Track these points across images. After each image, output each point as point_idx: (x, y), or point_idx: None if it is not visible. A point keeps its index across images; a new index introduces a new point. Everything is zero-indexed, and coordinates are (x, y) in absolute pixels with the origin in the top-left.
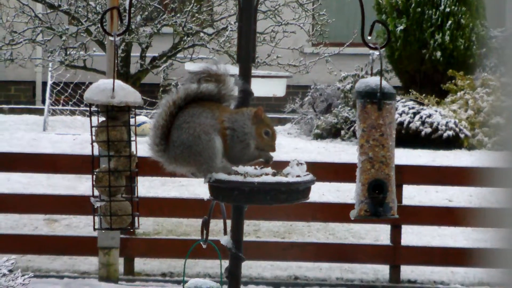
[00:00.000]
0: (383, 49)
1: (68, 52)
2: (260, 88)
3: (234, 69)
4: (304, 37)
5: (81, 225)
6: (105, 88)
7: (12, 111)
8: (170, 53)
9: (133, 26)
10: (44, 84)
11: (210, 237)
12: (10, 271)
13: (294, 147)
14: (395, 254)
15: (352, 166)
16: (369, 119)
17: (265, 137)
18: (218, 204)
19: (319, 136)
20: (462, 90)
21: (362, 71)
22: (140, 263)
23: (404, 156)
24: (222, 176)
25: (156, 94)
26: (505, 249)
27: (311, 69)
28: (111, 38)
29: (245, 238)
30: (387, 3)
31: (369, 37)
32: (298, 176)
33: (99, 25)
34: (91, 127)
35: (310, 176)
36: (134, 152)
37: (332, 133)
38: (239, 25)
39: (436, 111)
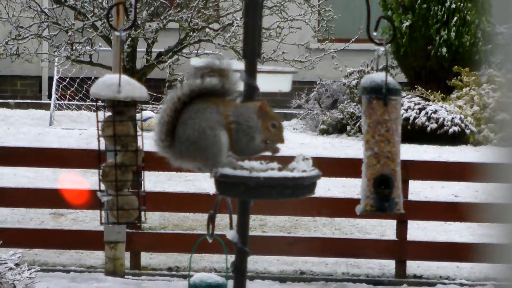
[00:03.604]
0: (389, 45)
1: (74, 47)
2: (266, 83)
3: (240, 65)
4: (310, 33)
5: (87, 220)
6: (112, 83)
7: (18, 106)
8: (176, 48)
9: (139, 22)
10: (50, 79)
11: (216, 232)
12: (17, 265)
13: (300, 143)
14: (401, 249)
15: (358, 162)
16: (375, 114)
17: (272, 129)
18: (224, 198)
19: (325, 132)
20: (467, 86)
21: (368, 67)
22: (146, 258)
23: (410, 152)
24: (228, 171)
25: (162, 89)
26: (510, 245)
27: (316, 65)
28: (117, 33)
29: (251, 233)
30: None
31: (374, 33)
32: (304, 171)
33: (105, 20)
34: (98, 122)
35: (316, 171)
36: (141, 147)
37: (338, 128)
38: (245, 20)
39: (441, 107)
